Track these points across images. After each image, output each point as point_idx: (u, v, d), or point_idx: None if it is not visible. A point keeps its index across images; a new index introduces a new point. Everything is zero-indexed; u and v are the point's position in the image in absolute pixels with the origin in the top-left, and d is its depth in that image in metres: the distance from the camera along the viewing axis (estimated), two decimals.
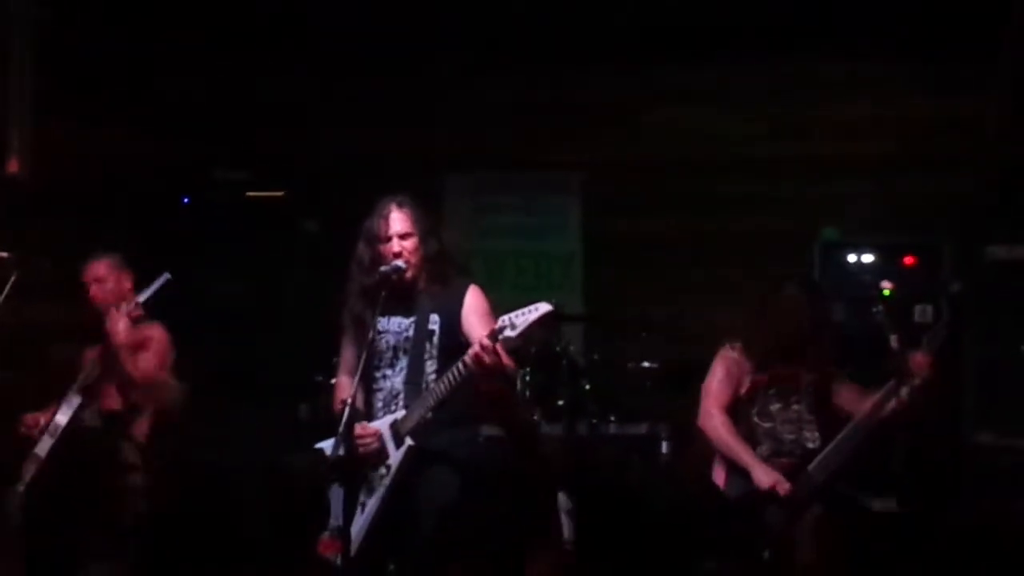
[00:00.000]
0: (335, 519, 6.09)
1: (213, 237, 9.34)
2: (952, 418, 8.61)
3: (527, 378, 8.35)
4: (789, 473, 6.78)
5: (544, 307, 5.83)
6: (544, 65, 9.91)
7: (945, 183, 9.33)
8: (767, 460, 6.86)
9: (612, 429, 8.50)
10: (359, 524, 6.13)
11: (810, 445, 6.90)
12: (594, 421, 8.40)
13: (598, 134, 9.94)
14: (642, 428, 8.52)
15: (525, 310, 5.83)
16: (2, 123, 8.61)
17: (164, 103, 9.54)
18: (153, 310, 7.54)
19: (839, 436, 6.81)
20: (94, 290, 7.68)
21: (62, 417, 7.41)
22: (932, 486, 8.20)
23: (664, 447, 8.57)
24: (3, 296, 7.66)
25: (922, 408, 6.74)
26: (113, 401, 7.58)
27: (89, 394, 7.54)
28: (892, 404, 6.71)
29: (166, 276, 7.34)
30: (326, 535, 6.02)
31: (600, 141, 9.95)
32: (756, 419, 6.99)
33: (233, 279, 9.28)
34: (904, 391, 6.65)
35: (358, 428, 6.19)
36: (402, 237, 6.32)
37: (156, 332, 7.66)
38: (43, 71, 8.62)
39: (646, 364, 8.60)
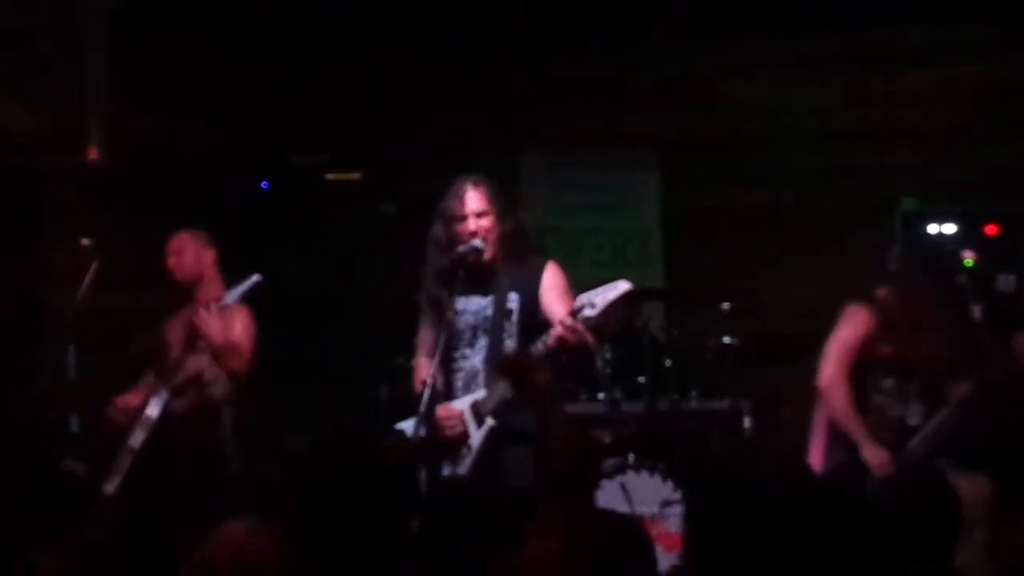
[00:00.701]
0: (419, 499, 6.10)
1: (292, 221, 9.38)
2: None
3: (607, 355, 8.33)
4: (891, 449, 6.68)
5: (623, 285, 5.82)
6: (618, 40, 9.86)
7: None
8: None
9: (693, 405, 8.47)
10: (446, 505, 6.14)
11: (911, 422, 6.78)
12: (675, 397, 8.38)
13: (673, 109, 9.90)
14: (724, 404, 8.47)
15: (604, 288, 5.82)
16: (80, 112, 8.67)
17: (241, 89, 9.58)
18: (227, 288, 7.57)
19: (940, 414, 6.70)
20: (172, 262, 7.61)
21: (152, 410, 7.39)
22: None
23: (746, 422, 8.54)
24: (85, 283, 7.72)
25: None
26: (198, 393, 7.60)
27: (177, 387, 7.52)
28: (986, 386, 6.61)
29: (257, 278, 7.20)
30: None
31: (676, 116, 9.90)
32: (868, 390, 6.85)
33: (312, 263, 9.31)
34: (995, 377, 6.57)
35: (442, 410, 6.20)
36: (478, 216, 6.32)
37: (242, 316, 7.57)
38: (119, 60, 8.66)
39: (727, 340, 8.55)
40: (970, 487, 4.54)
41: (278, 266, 9.18)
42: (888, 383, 6.85)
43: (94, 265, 7.71)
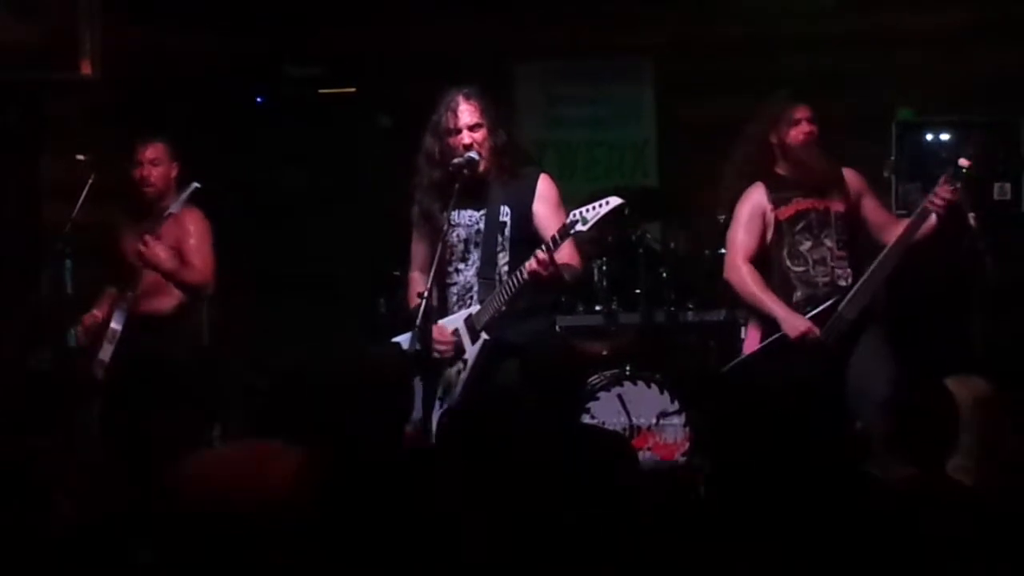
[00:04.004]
0: (416, 412, 6.14)
1: (288, 135, 9.36)
2: None
3: (603, 268, 8.34)
4: (822, 321, 6.59)
5: (615, 200, 5.86)
6: None
7: (1021, 57, 9.17)
8: (801, 310, 6.63)
9: (690, 316, 8.47)
10: (439, 418, 6.17)
11: (842, 283, 6.67)
12: (672, 309, 8.39)
13: (667, 16, 9.82)
14: (720, 315, 8.48)
15: (595, 204, 5.86)
16: (73, 26, 8.64)
17: (234, 1, 9.52)
18: (223, 207, 7.57)
19: (870, 267, 6.63)
20: (147, 170, 7.57)
21: (116, 324, 7.41)
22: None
23: (743, 332, 8.54)
24: (81, 198, 7.74)
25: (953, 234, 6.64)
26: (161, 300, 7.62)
27: (135, 297, 7.53)
28: (923, 227, 6.55)
29: (195, 185, 7.30)
30: (410, 428, 6.07)
31: (670, 23, 9.83)
32: (788, 263, 6.73)
33: (309, 177, 9.30)
34: (932, 214, 6.50)
35: (435, 331, 6.22)
36: (472, 128, 6.31)
37: (194, 220, 7.58)
38: None
39: (723, 251, 8.54)
40: (960, 388, 4.51)
41: (275, 180, 9.21)
42: (805, 246, 6.71)
43: (90, 180, 7.73)
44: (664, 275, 8.42)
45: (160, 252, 7.31)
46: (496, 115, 6.40)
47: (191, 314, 7.66)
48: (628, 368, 7.95)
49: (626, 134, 9.99)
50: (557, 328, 7.95)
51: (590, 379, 7.86)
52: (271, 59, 9.55)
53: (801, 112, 6.79)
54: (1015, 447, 4.63)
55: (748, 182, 6.83)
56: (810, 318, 6.61)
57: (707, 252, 8.55)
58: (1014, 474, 4.49)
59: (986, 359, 7.90)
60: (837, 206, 6.73)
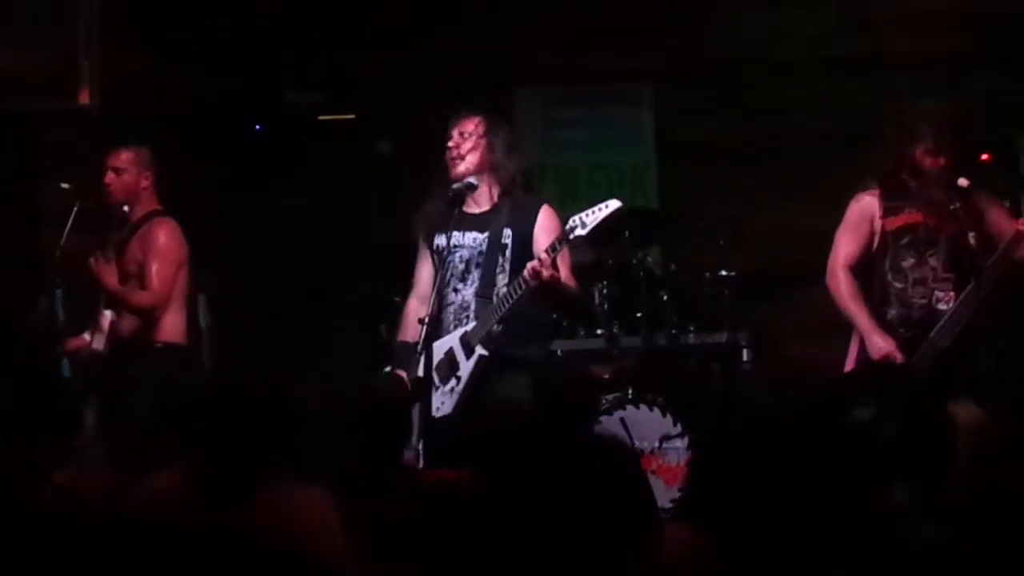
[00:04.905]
0: (415, 436, 6.13)
1: (287, 162, 9.37)
2: None
3: (604, 291, 8.34)
4: (910, 346, 6.23)
5: (614, 204, 5.91)
6: None
7: (1020, 77, 9.18)
8: (894, 328, 6.31)
9: (692, 339, 8.47)
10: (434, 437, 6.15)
11: (941, 307, 6.29)
12: (674, 332, 8.39)
13: (666, 41, 9.84)
14: (722, 337, 8.48)
15: (594, 208, 5.91)
16: (71, 54, 8.64)
17: (232, 28, 9.52)
18: (227, 236, 7.56)
19: (965, 291, 6.23)
20: (111, 178, 7.48)
21: (98, 344, 7.37)
22: None
23: (745, 355, 8.55)
24: (68, 226, 7.67)
25: None
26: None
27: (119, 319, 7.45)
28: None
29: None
30: (410, 453, 6.06)
31: (669, 47, 9.85)
32: (889, 277, 6.37)
33: (309, 204, 9.31)
34: None
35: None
36: (471, 152, 6.34)
37: (166, 229, 7.44)
38: (110, 2, 8.62)
39: (724, 273, 8.54)
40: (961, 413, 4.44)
41: (275, 208, 9.22)
42: (908, 263, 6.36)
43: (75, 208, 7.65)
44: (665, 298, 8.43)
45: (105, 273, 7.21)
46: (502, 137, 6.43)
47: (189, 340, 7.60)
48: (630, 391, 7.93)
49: (626, 157, 10.00)
50: (558, 353, 7.98)
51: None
52: (270, 86, 9.57)
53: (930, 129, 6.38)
54: (1004, 473, 4.60)
55: (872, 179, 6.49)
56: (905, 342, 6.30)
57: (708, 275, 8.55)
58: (1002, 499, 4.45)
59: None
60: (950, 226, 6.31)
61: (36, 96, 8.70)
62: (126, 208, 7.48)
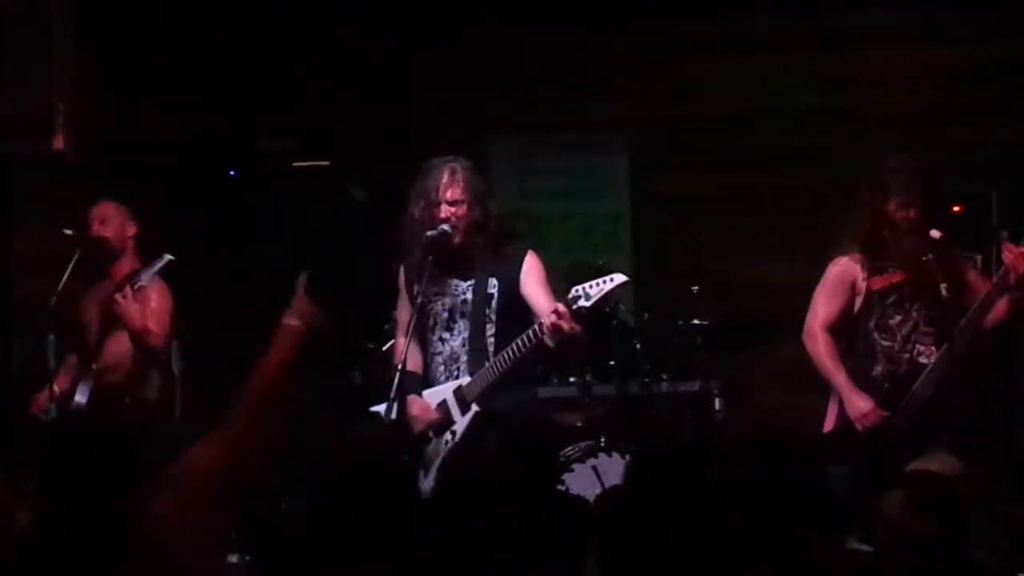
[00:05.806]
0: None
1: (261, 208, 9.36)
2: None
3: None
4: (890, 399, 6.33)
5: (620, 278, 5.86)
6: (585, 24, 9.85)
7: (991, 130, 9.24)
8: (879, 385, 6.38)
9: (664, 388, 8.48)
10: (426, 487, 6.10)
11: (923, 360, 6.38)
12: (646, 380, 8.40)
13: (641, 91, 9.89)
14: (695, 386, 8.50)
15: (599, 280, 5.84)
16: (46, 100, 8.63)
17: (207, 76, 9.54)
18: (202, 281, 7.52)
19: (940, 350, 6.32)
20: (96, 227, 7.46)
21: (81, 397, 7.28)
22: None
23: (717, 404, 8.56)
24: (68, 272, 7.61)
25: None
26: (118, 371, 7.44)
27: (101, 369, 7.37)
28: (997, 302, 6.28)
29: (168, 258, 7.14)
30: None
31: (643, 98, 9.89)
32: (875, 335, 6.45)
33: (283, 250, 9.29)
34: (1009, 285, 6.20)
35: (415, 408, 6.21)
36: (452, 204, 6.29)
37: (157, 292, 7.37)
38: (85, 47, 8.62)
39: (696, 321, 8.56)
40: (935, 466, 4.46)
41: (249, 253, 9.20)
42: (895, 320, 6.44)
43: (76, 255, 7.60)
44: (638, 346, 8.45)
45: (134, 307, 7.17)
46: (481, 188, 6.38)
47: (160, 390, 7.54)
48: (602, 439, 7.92)
49: (600, 206, 10.02)
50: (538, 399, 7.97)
51: (564, 451, 7.84)
52: (245, 132, 9.57)
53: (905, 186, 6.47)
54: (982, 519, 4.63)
55: (851, 241, 6.56)
56: (886, 396, 6.38)
57: (680, 323, 8.57)
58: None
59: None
60: (926, 279, 6.33)
61: (10, 140, 8.68)
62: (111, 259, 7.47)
